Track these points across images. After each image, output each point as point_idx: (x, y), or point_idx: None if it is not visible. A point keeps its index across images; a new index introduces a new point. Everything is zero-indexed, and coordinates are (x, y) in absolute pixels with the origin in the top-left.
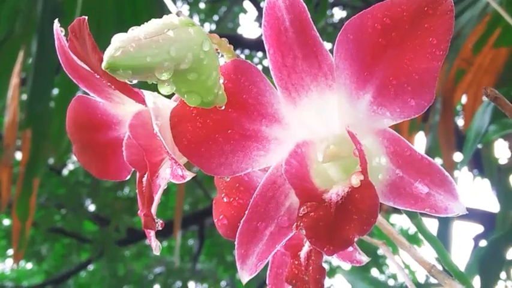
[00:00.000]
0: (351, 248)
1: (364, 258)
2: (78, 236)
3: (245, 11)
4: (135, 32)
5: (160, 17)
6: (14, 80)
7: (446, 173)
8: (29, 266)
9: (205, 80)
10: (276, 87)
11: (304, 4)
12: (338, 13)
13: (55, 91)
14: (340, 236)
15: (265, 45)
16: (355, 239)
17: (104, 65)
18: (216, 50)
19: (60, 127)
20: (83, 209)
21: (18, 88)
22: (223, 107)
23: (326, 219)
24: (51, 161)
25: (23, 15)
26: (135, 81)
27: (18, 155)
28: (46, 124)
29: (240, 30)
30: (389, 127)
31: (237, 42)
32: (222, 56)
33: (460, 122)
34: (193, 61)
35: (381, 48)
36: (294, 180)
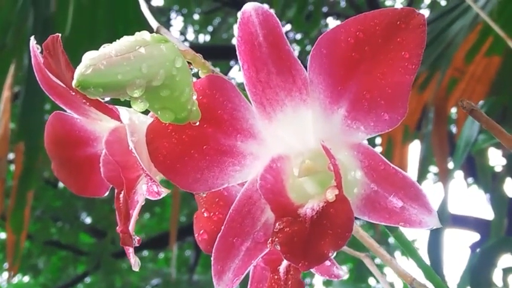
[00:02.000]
0: (328, 263)
1: (342, 273)
2: (75, 249)
3: None
4: (106, 49)
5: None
6: (6, 93)
7: (420, 187)
8: (26, 279)
9: (179, 97)
10: (251, 103)
11: (278, 19)
12: (332, 23)
13: (48, 105)
14: (315, 251)
15: (239, 61)
16: (330, 254)
17: (74, 83)
18: (190, 65)
19: None
20: (79, 222)
21: (9, 101)
22: (197, 123)
23: (301, 234)
24: (46, 174)
25: (14, 29)
26: (107, 99)
27: (12, 168)
28: (39, 137)
29: (234, 41)
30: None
31: (231, 52)
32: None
33: (454, 130)
34: (166, 78)
35: (354, 63)
36: (269, 195)
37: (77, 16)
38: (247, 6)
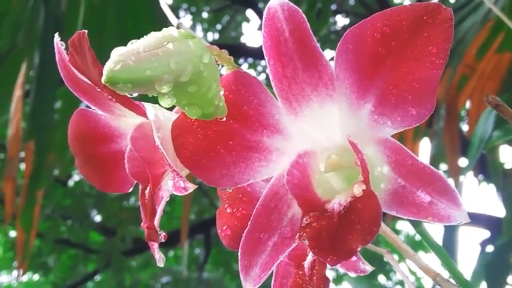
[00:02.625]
0: (354, 258)
1: (368, 268)
2: (85, 247)
3: (248, 20)
4: (134, 45)
5: (162, 28)
6: (17, 92)
7: (449, 182)
8: (36, 277)
9: (206, 92)
10: (276, 98)
11: (304, 15)
12: (341, 20)
13: (58, 103)
14: (343, 246)
15: (265, 56)
16: (358, 249)
17: (103, 78)
18: (216, 61)
19: (64, 139)
20: (89, 220)
21: (21, 100)
22: (224, 119)
23: (329, 229)
24: (56, 172)
25: (25, 28)
26: (135, 94)
27: (23, 167)
28: (49, 136)
29: (243, 39)
30: (392, 135)
31: (241, 50)
32: (222, 67)
33: (464, 127)
34: (193, 73)
35: (381, 58)
36: (296, 190)
37: (87, 15)
38: (273, 2)
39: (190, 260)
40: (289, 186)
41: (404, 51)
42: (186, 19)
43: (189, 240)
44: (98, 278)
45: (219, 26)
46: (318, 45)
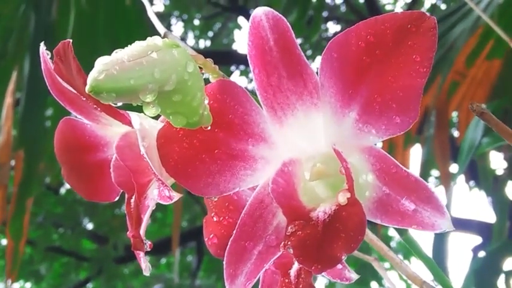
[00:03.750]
0: (339, 266)
1: (354, 276)
2: (77, 255)
3: (240, 27)
4: (118, 54)
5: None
6: (8, 100)
7: (433, 190)
8: (28, 285)
9: (190, 101)
10: (262, 107)
11: (288, 24)
12: (332, 27)
13: (50, 111)
14: (327, 254)
15: (250, 65)
16: (343, 257)
17: (87, 88)
18: (201, 70)
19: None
20: (81, 228)
21: (12, 107)
22: (209, 128)
23: (313, 237)
24: (47, 180)
25: (15, 35)
26: (119, 104)
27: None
28: (39, 144)
29: (234, 46)
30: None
31: (232, 57)
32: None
33: (455, 133)
34: (178, 82)
35: (365, 66)
36: (281, 199)
37: (78, 23)
38: (258, 11)
39: (183, 267)
40: (274, 194)
41: (389, 60)
42: (178, 26)
43: (181, 248)
44: (90, 285)
45: (210, 33)
46: (303, 53)
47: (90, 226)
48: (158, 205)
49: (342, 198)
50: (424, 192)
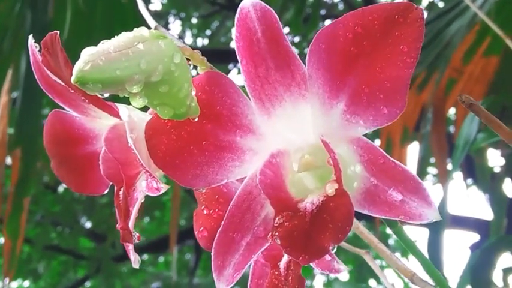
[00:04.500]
0: (328, 257)
1: (342, 267)
2: (75, 253)
3: None
4: (104, 45)
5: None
6: (3, 99)
7: (420, 180)
8: (26, 284)
9: (177, 92)
10: (249, 98)
11: (276, 15)
12: None
13: (47, 110)
14: (315, 245)
15: (238, 56)
16: (330, 248)
17: (73, 78)
18: (189, 62)
19: None
20: (79, 226)
21: (7, 106)
22: (196, 119)
23: (301, 228)
24: (45, 178)
25: (11, 34)
26: (106, 95)
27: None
28: (36, 143)
29: (232, 44)
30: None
31: (230, 56)
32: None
33: (453, 130)
34: (164, 73)
35: (353, 57)
36: (268, 190)
37: (74, 21)
38: (245, 2)
39: (181, 265)
40: (262, 186)
41: (376, 51)
42: (176, 25)
43: (179, 246)
44: (88, 284)
45: (208, 32)
46: (291, 45)
47: (88, 224)
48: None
49: (330, 189)
50: (412, 182)
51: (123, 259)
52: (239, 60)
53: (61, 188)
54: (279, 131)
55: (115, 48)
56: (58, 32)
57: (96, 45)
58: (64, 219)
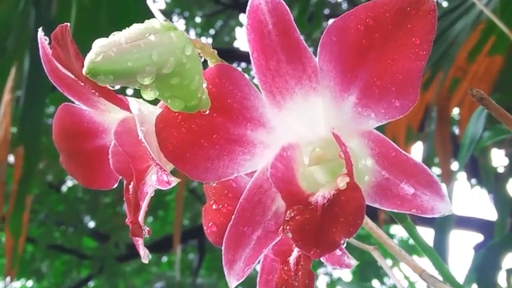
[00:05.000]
0: (339, 252)
1: (353, 262)
2: (78, 253)
3: (241, 25)
4: (116, 36)
5: None
6: (6, 97)
7: (432, 174)
8: (29, 283)
9: (188, 85)
10: (260, 91)
11: (287, 7)
12: None
13: (51, 109)
14: (326, 238)
15: (249, 49)
16: (342, 241)
17: (84, 70)
18: (199, 54)
19: None
20: (83, 226)
21: (10, 104)
22: (207, 112)
23: (312, 222)
24: (49, 178)
25: (15, 32)
26: (117, 87)
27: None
28: (39, 141)
29: (236, 44)
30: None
31: (234, 55)
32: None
33: (457, 130)
34: (176, 65)
35: (364, 50)
36: (279, 183)
37: (79, 18)
38: None
39: (184, 265)
40: (272, 179)
41: (388, 43)
42: (179, 24)
43: (183, 246)
44: (91, 283)
45: (212, 31)
46: (302, 37)
47: (91, 224)
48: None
49: (341, 182)
50: (424, 176)
51: (126, 259)
52: (250, 53)
53: (65, 188)
54: (290, 124)
55: (126, 40)
56: (68, 24)
57: None
58: (68, 218)
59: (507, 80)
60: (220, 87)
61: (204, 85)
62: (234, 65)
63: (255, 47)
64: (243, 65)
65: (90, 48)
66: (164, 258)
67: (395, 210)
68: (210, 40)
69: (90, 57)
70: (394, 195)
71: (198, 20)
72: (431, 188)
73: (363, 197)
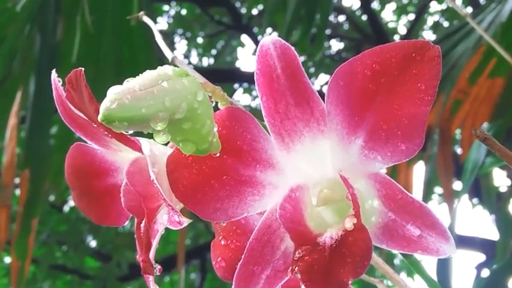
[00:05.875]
0: None
1: None
2: (80, 273)
3: (243, 45)
4: (130, 83)
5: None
6: (12, 121)
7: (437, 216)
8: None
9: (200, 129)
10: (269, 133)
11: (295, 52)
12: (335, 45)
13: (54, 129)
14: (334, 279)
15: (258, 93)
16: (350, 282)
17: (100, 117)
18: (210, 98)
19: (59, 165)
20: (84, 246)
21: (16, 128)
22: (218, 154)
23: (320, 262)
24: (51, 198)
25: (20, 55)
26: (131, 132)
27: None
28: (45, 164)
29: (238, 64)
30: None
31: (235, 75)
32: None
33: (459, 151)
34: (188, 110)
35: (371, 94)
36: (288, 224)
37: (83, 43)
38: (266, 40)
39: (186, 285)
40: (281, 220)
41: (394, 88)
42: (181, 44)
43: (185, 266)
44: None
45: (214, 51)
46: (310, 81)
47: (93, 244)
48: None
49: (349, 223)
50: (429, 218)
51: (128, 279)
52: (259, 96)
53: (67, 208)
54: (298, 166)
55: (140, 87)
56: (83, 69)
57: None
58: (70, 238)
59: (508, 102)
60: (230, 129)
61: (215, 128)
62: (236, 85)
63: (264, 91)
64: (245, 85)
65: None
66: (166, 278)
67: (401, 251)
68: (211, 60)
69: (105, 104)
70: (401, 236)
71: (199, 40)
72: (437, 230)
73: (370, 238)
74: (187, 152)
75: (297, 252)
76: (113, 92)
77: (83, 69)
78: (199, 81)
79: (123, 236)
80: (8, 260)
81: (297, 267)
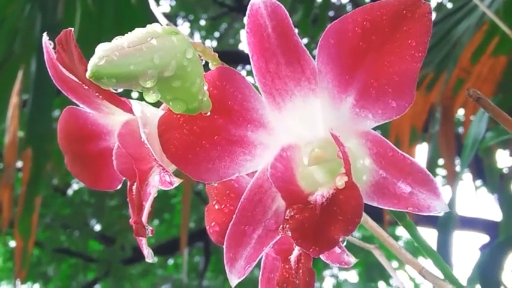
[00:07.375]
0: (338, 250)
1: (352, 260)
2: (84, 256)
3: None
4: (118, 41)
5: None
6: (14, 100)
7: (428, 172)
8: (36, 287)
9: (190, 87)
10: (260, 93)
11: (286, 11)
12: None
13: (57, 112)
14: (325, 236)
15: (249, 52)
16: (340, 239)
17: (88, 73)
18: (200, 57)
19: None
20: (88, 229)
21: (17, 107)
22: (208, 114)
23: (311, 220)
24: (55, 181)
25: (21, 36)
26: (120, 90)
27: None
28: (46, 143)
29: (241, 46)
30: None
31: (238, 57)
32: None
33: (461, 130)
34: (177, 68)
35: (362, 52)
36: (279, 183)
37: (84, 22)
38: None
39: (190, 267)
40: (272, 179)
41: (384, 45)
42: (184, 27)
43: (189, 248)
44: (97, 286)
45: (216, 34)
46: (301, 40)
47: (97, 227)
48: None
49: (340, 182)
50: (420, 174)
51: (132, 262)
52: (250, 56)
53: (70, 191)
54: (289, 125)
55: (129, 44)
56: (72, 29)
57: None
58: (74, 222)
59: (511, 80)
60: (221, 89)
61: (205, 87)
62: (239, 67)
63: (254, 50)
64: (248, 67)
65: (95, 52)
66: (170, 261)
67: (392, 209)
68: (214, 43)
69: (93, 61)
70: (391, 193)
71: (202, 23)
72: (428, 187)
73: (361, 195)
74: (177, 111)
75: (288, 211)
76: (101, 48)
77: (72, 29)
78: (189, 39)
79: (126, 218)
80: (12, 244)
81: (287, 226)
